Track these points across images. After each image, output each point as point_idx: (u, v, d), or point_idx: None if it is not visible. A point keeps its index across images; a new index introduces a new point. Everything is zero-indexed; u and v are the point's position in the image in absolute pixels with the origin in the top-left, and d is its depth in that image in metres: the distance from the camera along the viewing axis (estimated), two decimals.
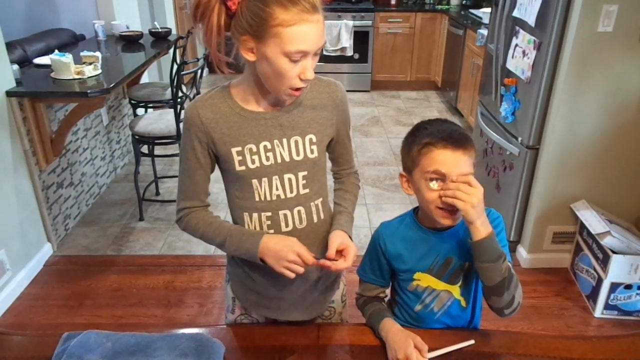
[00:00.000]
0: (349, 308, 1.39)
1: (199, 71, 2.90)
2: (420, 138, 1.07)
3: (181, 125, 2.79)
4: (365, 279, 1.27)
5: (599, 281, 2.28)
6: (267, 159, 1.08)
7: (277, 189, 1.10)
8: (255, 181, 1.09)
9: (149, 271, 2.63)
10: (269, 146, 1.07)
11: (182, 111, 2.85)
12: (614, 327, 2.28)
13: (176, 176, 4.13)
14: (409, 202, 3.28)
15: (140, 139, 2.88)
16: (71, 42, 3.37)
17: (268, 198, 1.10)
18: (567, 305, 2.41)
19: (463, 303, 1.19)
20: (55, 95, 2.56)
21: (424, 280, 1.17)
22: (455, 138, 1.04)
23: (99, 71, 2.66)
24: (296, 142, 1.09)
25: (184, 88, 2.85)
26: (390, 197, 3.38)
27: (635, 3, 2.07)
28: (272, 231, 1.13)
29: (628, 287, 2.24)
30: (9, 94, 2.36)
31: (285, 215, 1.12)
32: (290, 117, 1.08)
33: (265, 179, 1.09)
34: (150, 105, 3.43)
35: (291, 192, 1.11)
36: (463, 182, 1.01)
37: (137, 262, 2.71)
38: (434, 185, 1.06)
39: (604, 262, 2.24)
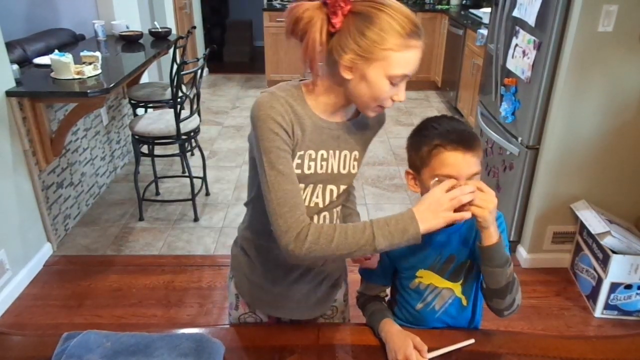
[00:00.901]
0: (351, 308, 1.39)
1: (199, 71, 2.89)
2: (430, 138, 1.07)
3: (182, 124, 2.80)
4: (366, 277, 1.27)
5: (599, 281, 2.28)
6: (321, 167, 1.08)
7: (317, 197, 1.11)
8: (301, 186, 1.07)
9: (149, 271, 2.63)
10: (325, 155, 1.08)
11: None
12: (614, 327, 2.28)
13: (176, 176, 4.13)
14: (409, 202, 3.28)
15: (140, 139, 2.87)
16: (71, 42, 3.37)
17: (306, 204, 1.09)
18: (567, 305, 2.40)
19: (464, 301, 1.19)
20: (55, 95, 2.56)
21: (426, 277, 1.18)
22: (466, 139, 1.05)
23: (99, 71, 2.65)
24: (345, 156, 1.11)
25: (183, 88, 2.85)
26: (390, 197, 3.38)
27: (635, 3, 2.07)
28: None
29: (628, 287, 2.24)
30: (8, 93, 2.36)
31: (311, 219, 1.12)
32: (346, 132, 1.09)
33: (311, 186, 1.09)
34: (150, 105, 3.43)
35: (330, 201, 1.12)
36: (475, 186, 1.00)
37: (137, 262, 2.71)
38: None
39: (604, 262, 2.24)
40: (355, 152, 1.12)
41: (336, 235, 0.97)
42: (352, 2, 0.94)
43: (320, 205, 1.12)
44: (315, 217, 1.13)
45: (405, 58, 0.94)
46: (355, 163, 1.13)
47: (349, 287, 1.38)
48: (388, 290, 1.29)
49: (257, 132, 0.98)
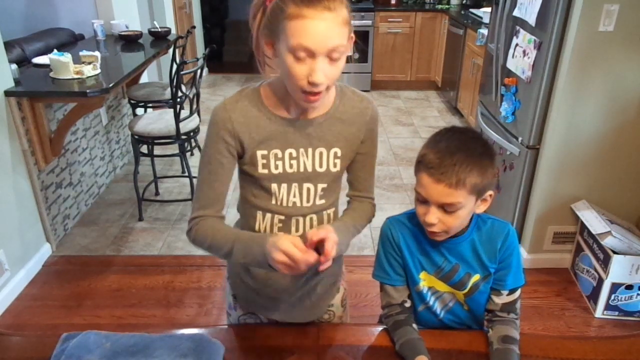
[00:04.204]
0: (351, 309, 1.38)
1: (199, 71, 2.89)
2: (424, 149, 1.05)
3: (182, 124, 2.79)
4: (386, 281, 1.18)
5: (600, 281, 2.28)
6: (291, 166, 1.07)
7: (294, 196, 1.09)
8: (274, 185, 1.08)
9: (149, 271, 2.63)
10: (294, 154, 1.06)
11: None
12: (614, 327, 2.27)
13: (175, 176, 4.13)
14: (409, 202, 3.28)
15: (139, 139, 2.87)
16: (70, 41, 3.37)
17: (284, 204, 1.10)
18: (567, 306, 2.40)
19: (465, 307, 1.19)
20: (54, 95, 2.55)
21: (428, 281, 1.16)
22: (443, 168, 0.99)
23: (98, 71, 2.65)
24: (321, 154, 1.08)
25: (183, 88, 2.84)
26: (390, 197, 3.37)
27: (636, 2, 2.07)
28: (281, 233, 1.12)
29: (629, 287, 2.24)
30: (7, 93, 2.36)
31: (297, 221, 1.12)
32: (319, 128, 1.06)
33: (284, 185, 1.08)
34: (150, 105, 3.42)
35: (307, 201, 1.11)
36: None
37: (137, 263, 2.70)
38: (420, 204, 1.06)
39: (605, 262, 2.24)
40: (336, 149, 1.08)
41: (209, 237, 1.07)
42: None
43: (299, 205, 1.10)
44: (302, 220, 1.12)
45: (300, 27, 0.89)
46: (338, 161, 1.09)
47: (349, 288, 1.37)
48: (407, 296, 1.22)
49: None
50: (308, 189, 1.10)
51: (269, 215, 1.11)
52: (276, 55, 0.96)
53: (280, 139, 1.05)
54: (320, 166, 1.09)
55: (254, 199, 1.12)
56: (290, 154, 1.06)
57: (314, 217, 1.13)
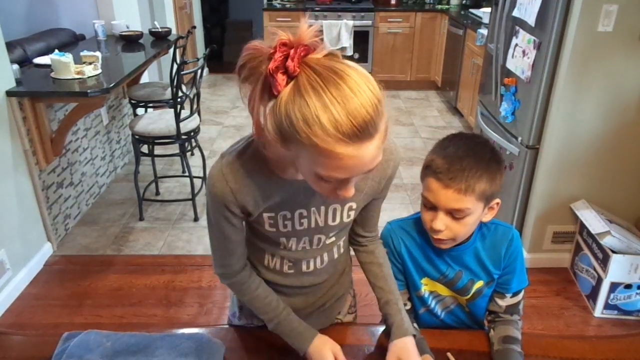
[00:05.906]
0: (362, 308, 1.36)
1: (199, 71, 2.89)
2: (432, 155, 1.04)
3: (182, 124, 2.80)
4: None
5: (599, 281, 2.28)
6: (301, 224, 0.99)
7: (304, 243, 1.04)
8: (283, 239, 1.03)
9: (149, 271, 2.63)
10: (305, 213, 0.98)
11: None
12: (613, 326, 2.28)
13: (176, 176, 4.12)
14: (409, 202, 3.28)
15: (140, 139, 2.87)
16: (71, 41, 3.38)
17: (293, 249, 1.05)
18: (567, 305, 2.41)
19: (466, 310, 1.19)
20: (55, 95, 2.56)
21: (430, 285, 1.16)
22: (452, 172, 0.97)
23: (99, 71, 2.66)
24: (334, 210, 0.99)
25: (184, 88, 2.85)
26: (390, 197, 3.36)
27: (635, 3, 2.07)
28: (292, 272, 1.09)
29: (628, 286, 2.24)
30: (9, 93, 2.36)
31: (307, 262, 1.09)
32: None
33: (294, 238, 1.03)
34: (150, 105, 3.43)
35: (318, 245, 1.06)
36: None
37: (137, 262, 2.71)
38: (427, 210, 1.05)
39: (604, 261, 2.24)
40: (351, 204, 1.00)
41: (251, 295, 1.08)
42: (304, 65, 0.73)
43: (308, 248, 1.05)
44: (312, 261, 1.08)
45: (332, 164, 0.72)
46: (352, 212, 1.02)
47: (357, 287, 1.34)
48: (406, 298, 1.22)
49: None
50: (319, 238, 1.04)
51: (277, 258, 1.08)
52: (290, 154, 0.78)
53: (289, 202, 0.95)
54: (334, 220, 1.01)
55: (261, 244, 1.07)
56: (301, 213, 0.98)
57: (325, 255, 1.09)
